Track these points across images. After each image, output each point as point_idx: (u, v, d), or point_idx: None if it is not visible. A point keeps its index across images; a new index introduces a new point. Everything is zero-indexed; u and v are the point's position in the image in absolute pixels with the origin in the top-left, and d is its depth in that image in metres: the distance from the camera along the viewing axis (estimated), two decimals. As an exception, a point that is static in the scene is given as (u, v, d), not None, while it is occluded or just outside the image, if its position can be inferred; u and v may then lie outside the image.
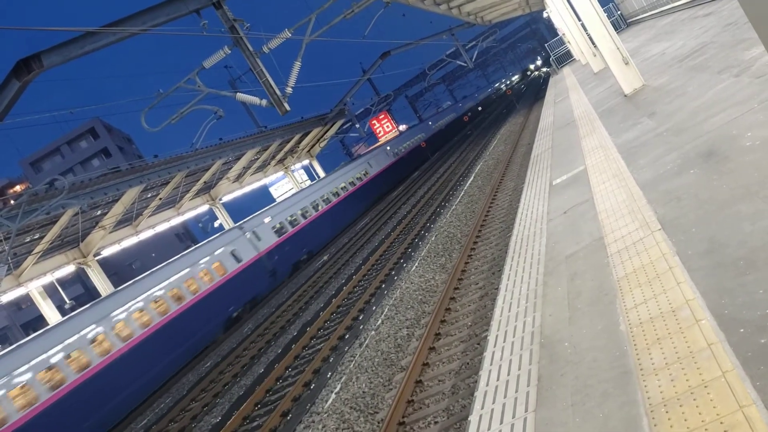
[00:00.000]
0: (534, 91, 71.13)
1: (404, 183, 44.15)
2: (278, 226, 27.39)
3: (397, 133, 56.67)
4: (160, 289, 19.85)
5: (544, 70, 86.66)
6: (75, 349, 16.32)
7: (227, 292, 22.51)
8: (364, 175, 39.49)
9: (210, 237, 24.49)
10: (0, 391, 14.34)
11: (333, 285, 20.09)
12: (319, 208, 31.68)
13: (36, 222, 18.97)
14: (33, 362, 15.32)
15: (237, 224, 25.56)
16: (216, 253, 22.90)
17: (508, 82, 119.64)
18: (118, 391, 17.01)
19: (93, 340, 16.92)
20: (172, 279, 20.50)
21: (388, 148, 46.24)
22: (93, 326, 17.23)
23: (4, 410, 14.25)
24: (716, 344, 3.31)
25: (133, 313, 18.43)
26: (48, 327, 17.06)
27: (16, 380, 14.85)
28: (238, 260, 23.74)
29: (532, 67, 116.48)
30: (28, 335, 21.12)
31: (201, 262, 22.10)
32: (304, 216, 29.88)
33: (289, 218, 28.48)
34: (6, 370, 14.86)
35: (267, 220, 26.81)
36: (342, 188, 35.42)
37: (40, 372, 15.31)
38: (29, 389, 14.92)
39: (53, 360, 15.72)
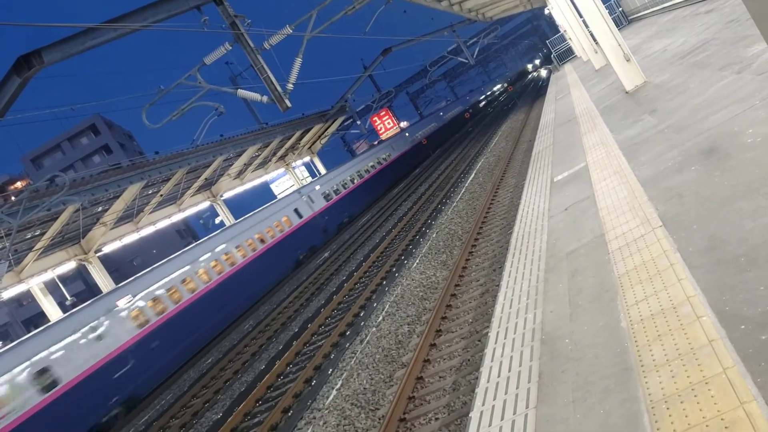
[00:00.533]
0: (534, 90, 71.00)
1: (406, 180, 44.35)
2: (325, 193, 33.97)
3: (398, 130, 57.73)
4: (254, 231, 26.33)
5: (545, 69, 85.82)
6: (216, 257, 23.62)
7: (295, 239, 29.23)
8: (388, 156, 46.27)
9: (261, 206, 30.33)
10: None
11: (334, 282, 20.10)
12: (355, 181, 38.52)
13: (37, 218, 19.00)
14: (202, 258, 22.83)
15: (295, 190, 32.32)
16: (285, 207, 29.64)
17: (502, 85, 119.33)
18: (242, 291, 23.91)
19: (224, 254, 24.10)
20: (262, 222, 27.23)
21: (407, 134, 52.63)
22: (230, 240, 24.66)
23: (183, 291, 21.13)
24: (717, 341, 3.31)
25: (235, 246, 24.83)
26: (198, 241, 23.89)
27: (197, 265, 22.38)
28: (300, 216, 30.38)
29: (529, 66, 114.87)
30: (29, 332, 22.16)
31: (276, 213, 28.62)
32: (344, 187, 36.56)
33: (333, 188, 35.11)
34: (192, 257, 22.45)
35: (317, 187, 33.38)
36: (371, 166, 42.40)
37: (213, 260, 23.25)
38: (191, 279, 21.85)
39: (207, 260, 22.95)
